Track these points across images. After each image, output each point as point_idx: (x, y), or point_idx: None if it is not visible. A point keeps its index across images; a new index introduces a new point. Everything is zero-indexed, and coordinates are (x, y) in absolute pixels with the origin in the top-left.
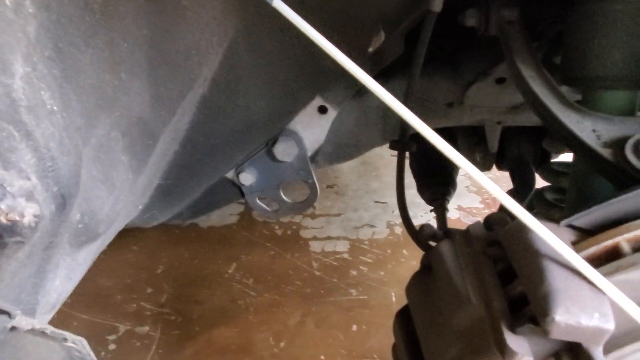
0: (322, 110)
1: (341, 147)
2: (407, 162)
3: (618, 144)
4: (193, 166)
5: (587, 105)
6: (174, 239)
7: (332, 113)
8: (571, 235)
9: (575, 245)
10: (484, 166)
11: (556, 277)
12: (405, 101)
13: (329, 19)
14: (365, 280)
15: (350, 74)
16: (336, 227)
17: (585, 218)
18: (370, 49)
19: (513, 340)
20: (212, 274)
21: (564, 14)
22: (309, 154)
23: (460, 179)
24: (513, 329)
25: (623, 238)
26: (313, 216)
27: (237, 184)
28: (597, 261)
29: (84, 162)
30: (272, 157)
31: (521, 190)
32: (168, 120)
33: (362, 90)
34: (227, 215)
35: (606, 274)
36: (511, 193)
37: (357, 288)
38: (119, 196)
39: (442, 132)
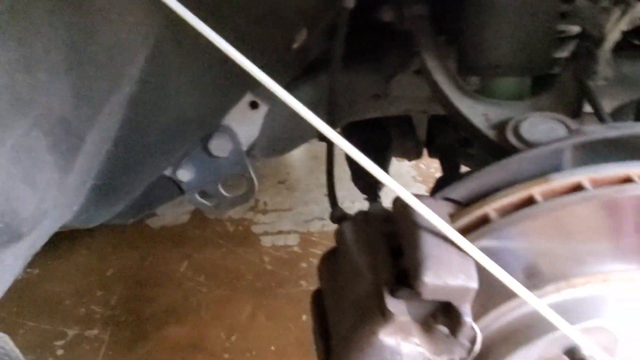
0: (254, 105)
1: (276, 141)
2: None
3: (502, 126)
4: (128, 165)
5: (484, 92)
6: (124, 241)
7: (263, 108)
8: (450, 208)
9: (452, 217)
10: (415, 154)
11: (428, 246)
12: (330, 95)
13: (251, 18)
14: (315, 272)
15: (280, 70)
16: (287, 221)
17: (461, 192)
18: (295, 46)
19: (391, 303)
20: (163, 273)
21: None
22: (244, 148)
23: (406, 169)
24: (394, 294)
25: (491, 207)
26: (264, 212)
27: (176, 181)
28: (470, 230)
29: (2, 162)
30: (208, 153)
31: (449, 176)
32: (94, 119)
33: (292, 86)
34: (179, 214)
35: (473, 240)
36: (441, 179)
37: (308, 279)
38: (45, 196)
39: (374, 123)
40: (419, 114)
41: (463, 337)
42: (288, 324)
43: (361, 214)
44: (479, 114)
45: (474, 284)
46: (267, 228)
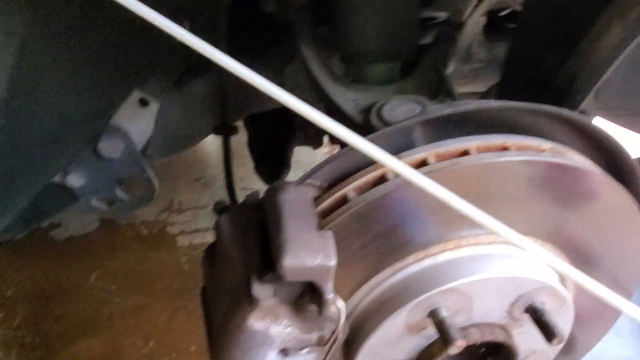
0: (143, 103)
1: (173, 138)
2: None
3: (369, 110)
4: (9, 175)
5: (358, 78)
6: (26, 257)
7: (154, 105)
8: (314, 191)
9: (317, 199)
10: (316, 142)
11: (290, 229)
12: (222, 88)
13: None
14: None
15: (168, 64)
16: (204, 218)
17: (323, 175)
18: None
19: (258, 289)
20: (71, 287)
21: None
22: (138, 147)
23: (321, 156)
24: (261, 280)
25: (349, 188)
26: (180, 211)
27: (68, 188)
28: (332, 211)
29: None
30: (98, 155)
31: None
32: None
33: (183, 80)
34: (86, 222)
35: (333, 220)
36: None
37: None
38: None
39: (279, 114)
40: (317, 103)
41: (328, 313)
42: None
43: (240, 204)
44: (350, 100)
45: (332, 262)
46: (183, 227)
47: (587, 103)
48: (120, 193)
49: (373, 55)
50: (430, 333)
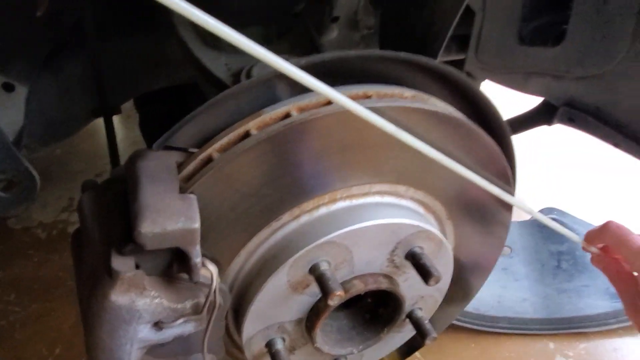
0: (8, 88)
1: (53, 125)
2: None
3: (239, 73)
4: None
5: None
6: None
7: (21, 90)
8: (177, 157)
9: (181, 165)
10: None
11: (147, 195)
12: (97, 68)
13: None
14: None
15: (30, 41)
16: None
17: (181, 138)
18: (39, 13)
19: (117, 262)
20: None
21: None
22: (10, 138)
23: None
24: (121, 252)
25: (213, 149)
26: None
27: None
28: (196, 172)
29: None
30: None
31: None
32: None
33: (55, 61)
34: None
35: (196, 182)
36: None
37: None
38: None
39: (172, 95)
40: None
41: (200, 279)
42: None
43: (105, 180)
44: (222, 64)
45: (195, 224)
46: None
47: (470, 65)
48: None
49: (246, 18)
50: (315, 290)
